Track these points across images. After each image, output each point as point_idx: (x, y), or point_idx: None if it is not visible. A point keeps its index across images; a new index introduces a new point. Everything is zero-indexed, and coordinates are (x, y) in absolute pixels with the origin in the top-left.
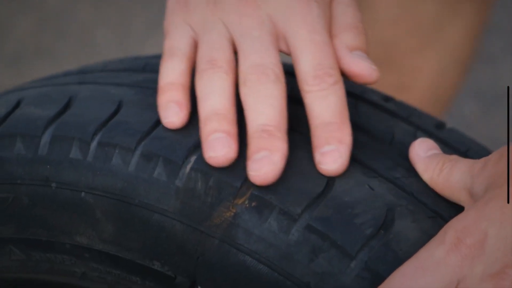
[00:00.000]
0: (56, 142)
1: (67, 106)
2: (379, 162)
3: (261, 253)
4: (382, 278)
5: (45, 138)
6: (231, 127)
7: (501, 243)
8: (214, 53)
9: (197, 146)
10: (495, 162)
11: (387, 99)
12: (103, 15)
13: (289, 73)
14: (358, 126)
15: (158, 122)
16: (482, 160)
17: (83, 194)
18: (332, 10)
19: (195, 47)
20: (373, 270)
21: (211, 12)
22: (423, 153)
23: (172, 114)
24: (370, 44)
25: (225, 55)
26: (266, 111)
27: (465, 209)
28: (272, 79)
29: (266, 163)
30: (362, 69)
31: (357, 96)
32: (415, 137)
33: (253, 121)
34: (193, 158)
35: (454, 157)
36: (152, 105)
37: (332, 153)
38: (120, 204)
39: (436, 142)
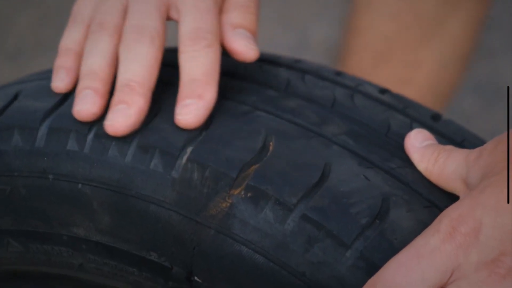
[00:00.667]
0: (53, 134)
1: (64, 99)
2: (374, 153)
3: (257, 243)
4: (377, 267)
5: (42, 130)
6: (102, 86)
7: (496, 231)
8: (103, 16)
9: (193, 137)
10: (490, 151)
11: (383, 91)
12: None
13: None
14: (354, 118)
15: (154, 114)
16: (477, 149)
17: (80, 185)
18: None
19: None
20: (369, 259)
21: None
22: (418, 143)
23: (58, 79)
24: (371, 38)
25: (113, 18)
26: (133, 67)
27: (460, 198)
28: (147, 39)
29: (121, 115)
30: (239, 47)
31: (353, 88)
32: (411, 128)
33: (120, 75)
34: (189, 149)
35: (449, 147)
36: None
37: (190, 106)
38: (116, 195)
39: (432, 133)
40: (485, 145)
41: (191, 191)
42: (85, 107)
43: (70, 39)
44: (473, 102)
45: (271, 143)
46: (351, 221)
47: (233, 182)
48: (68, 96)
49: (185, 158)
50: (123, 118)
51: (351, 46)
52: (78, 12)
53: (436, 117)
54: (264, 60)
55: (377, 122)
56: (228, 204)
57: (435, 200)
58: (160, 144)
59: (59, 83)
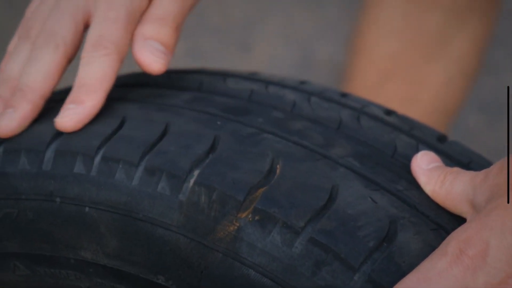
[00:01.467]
0: (60, 157)
1: None
2: (381, 175)
3: (265, 266)
4: None
5: (49, 153)
6: (9, 93)
7: (503, 254)
8: (31, 23)
9: (201, 160)
10: (496, 173)
11: (389, 112)
12: None
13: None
14: (360, 139)
15: (161, 137)
16: (484, 171)
17: (87, 208)
18: (152, 1)
19: None
20: (376, 282)
21: None
22: (425, 165)
23: None
24: (376, 57)
25: (37, 26)
26: (31, 73)
27: (467, 220)
28: (52, 46)
29: (6, 119)
30: (145, 58)
31: (359, 109)
32: (417, 150)
33: (20, 79)
34: (196, 172)
35: (456, 169)
36: (155, 120)
37: (70, 110)
38: (124, 218)
39: (438, 155)
40: (491, 167)
41: (198, 214)
42: None
43: (13, 43)
44: (478, 119)
45: (278, 165)
46: (359, 244)
47: (241, 205)
48: None
49: (192, 181)
50: (6, 122)
51: (356, 65)
52: (26, 16)
53: (442, 138)
54: (270, 82)
55: (383, 143)
56: (236, 227)
57: (442, 222)
58: (167, 167)
59: None
